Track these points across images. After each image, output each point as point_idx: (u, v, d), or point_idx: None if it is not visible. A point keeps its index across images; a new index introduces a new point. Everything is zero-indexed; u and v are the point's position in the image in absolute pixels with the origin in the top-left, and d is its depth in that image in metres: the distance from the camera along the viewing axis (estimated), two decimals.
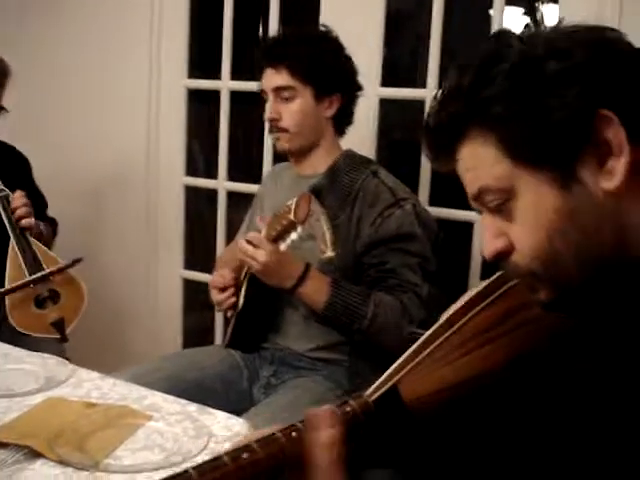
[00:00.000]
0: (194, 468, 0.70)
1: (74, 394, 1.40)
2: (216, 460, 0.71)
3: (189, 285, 2.86)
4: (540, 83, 0.76)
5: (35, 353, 1.63)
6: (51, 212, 2.47)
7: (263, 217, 1.83)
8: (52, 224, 2.44)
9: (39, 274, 2.13)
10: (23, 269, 2.12)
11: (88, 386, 1.44)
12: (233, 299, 1.94)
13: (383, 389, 0.85)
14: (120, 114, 2.82)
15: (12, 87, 2.22)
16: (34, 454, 1.17)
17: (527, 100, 0.76)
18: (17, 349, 1.66)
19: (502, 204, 0.81)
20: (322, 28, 1.95)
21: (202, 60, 2.77)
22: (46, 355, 1.63)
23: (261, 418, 1.54)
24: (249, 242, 1.68)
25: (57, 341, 2.14)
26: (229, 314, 1.96)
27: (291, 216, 1.60)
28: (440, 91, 0.85)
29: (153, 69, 2.73)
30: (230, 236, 2.55)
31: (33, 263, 2.14)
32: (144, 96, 2.75)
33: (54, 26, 2.94)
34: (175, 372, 1.83)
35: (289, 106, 1.86)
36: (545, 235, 0.78)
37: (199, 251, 2.92)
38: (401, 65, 2.48)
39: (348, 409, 0.79)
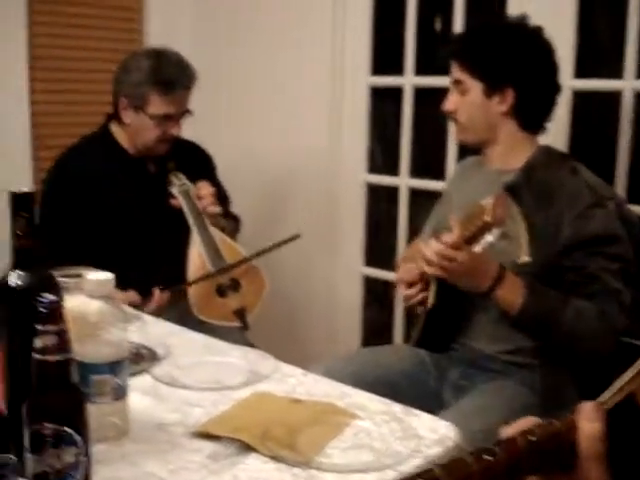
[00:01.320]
0: (440, 466, 0.69)
1: (280, 389, 1.40)
2: (460, 460, 0.70)
3: (369, 282, 2.86)
4: None
5: (236, 346, 1.64)
6: (234, 209, 2.52)
7: (454, 217, 1.79)
8: (235, 220, 2.50)
9: (223, 266, 2.18)
10: (205, 260, 2.18)
11: (292, 382, 1.45)
12: (422, 295, 1.91)
13: (619, 397, 0.83)
14: (303, 112, 2.87)
15: (199, 88, 2.29)
16: (246, 448, 1.17)
17: None
18: (218, 341, 1.67)
19: None
20: (510, 19, 1.89)
21: (384, 57, 2.76)
22: (247, 348, 1.66)
23: (451, 422, 1.51)
24: (443, 244, 1.64)
25: (239, 330, 2.19)
26: (418, 310, 1.94)
27: (487, 217, 1.54)
28: None
29: (336, 66, 2.75)
30: (411, 233, 2.52)
31: (215, 255, 2.19)
32: (327, 93, 2.78)
33: (237, 26, 3.03)
34: (360, 369, 1.83)
35: (463, 99, 1.85)
36: None
37: (379, 248, 2.91)
38: (596, 55, 2.35)
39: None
